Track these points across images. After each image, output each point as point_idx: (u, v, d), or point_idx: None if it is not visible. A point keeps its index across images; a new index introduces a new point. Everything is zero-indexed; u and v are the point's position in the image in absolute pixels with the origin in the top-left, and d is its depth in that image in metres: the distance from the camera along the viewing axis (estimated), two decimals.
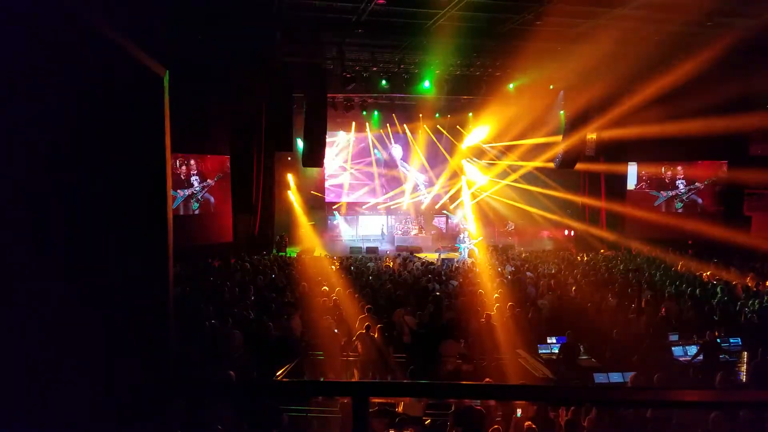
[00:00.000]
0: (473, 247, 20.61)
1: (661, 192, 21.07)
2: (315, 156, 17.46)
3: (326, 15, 13.13)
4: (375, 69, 17.25)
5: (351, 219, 25.44)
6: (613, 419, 5.29)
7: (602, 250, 19.46)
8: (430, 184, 26.01)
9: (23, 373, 1.60)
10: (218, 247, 17.03)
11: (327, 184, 25.04)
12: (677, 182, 20.92)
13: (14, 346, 1.57)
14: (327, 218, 24.96)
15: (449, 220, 26.35)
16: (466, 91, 19.55)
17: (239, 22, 13.33)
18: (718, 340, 8.18)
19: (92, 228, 1.81)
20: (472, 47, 15.87)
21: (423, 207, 25.99)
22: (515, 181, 23.49)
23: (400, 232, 24.90)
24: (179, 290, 10.03)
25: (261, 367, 7.28)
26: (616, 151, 20.01)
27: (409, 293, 11.36)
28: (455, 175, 25.56)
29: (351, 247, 21.96)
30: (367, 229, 25.45)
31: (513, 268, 15.20)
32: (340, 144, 24.93)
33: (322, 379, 7.91)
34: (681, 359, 8.07)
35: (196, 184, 17.86)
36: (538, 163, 21.67)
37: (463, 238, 21.24)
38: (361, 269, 14.73)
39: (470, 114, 23.86)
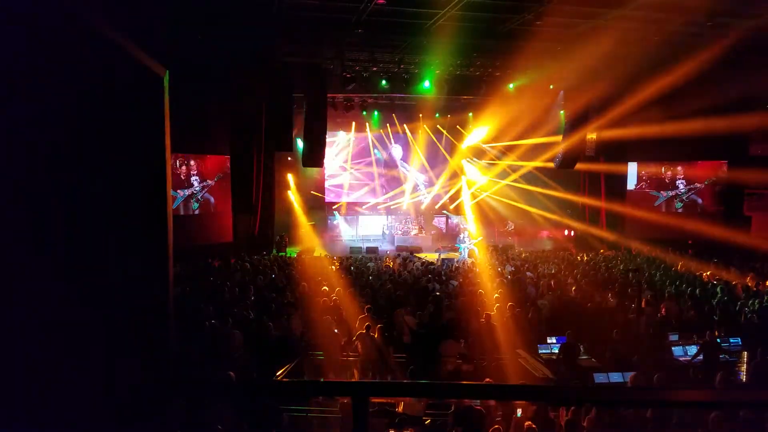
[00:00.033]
0: (473, 247, 20.61)
1: (661, 192, 21.07)
2: (315, 156, 17.46)
3: (326, 15, 13.14)
4: (375, 69, 17.25)
5: (351, 219, 25.44)
6: (613, 419, 5.29)
7: (602, 250, 19.45)
8: (430, 184, 26.01)
9: (23, 373, 1.60)
10: (218, 247, 17.02)
11: (327, 184, 25.04)
12: (677, 182, 20.92)
13: (14, 346, 1.57)
14: (327, 218, 24.96)
15: (449, 220, 26.35)
16: (466, 91, 19.55)
17: (239, 22, 13.33)
18: (718, 340, 8.18)
19: (92, 228, 1.81)
20: (472, 47, 15.86)
21: (423, 207, 25.99)
22: (515, 181, 23.49)
23: (400, 232, 24.90)
24: (179, 290, 10.03)
25: (261, 367, 7.28)
26: (616, 151, 20.00)
27: (409, 293, 11.36)
28: (455, 175, 25.56)
29: (351, 247, 21.96)
30: (367, 229, 25.45)
31: (513, 268, 15.20)
32: (340, 144, 24.93)
33: (321, 379, 7.91)
34: (681, 359, 8.07)
35: (196, 184, 17.86)
36: (538, 163, 21.67)
37: (463, 238, 21.25)
38: (361, 269, 14.73)
39: (470, 114, 23.87)
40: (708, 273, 13.43)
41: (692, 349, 8.09)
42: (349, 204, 25.45)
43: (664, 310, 9.74)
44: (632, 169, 21.23)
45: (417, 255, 20.34)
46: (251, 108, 16.75)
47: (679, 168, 20.87)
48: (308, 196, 23.93)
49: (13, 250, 1.57)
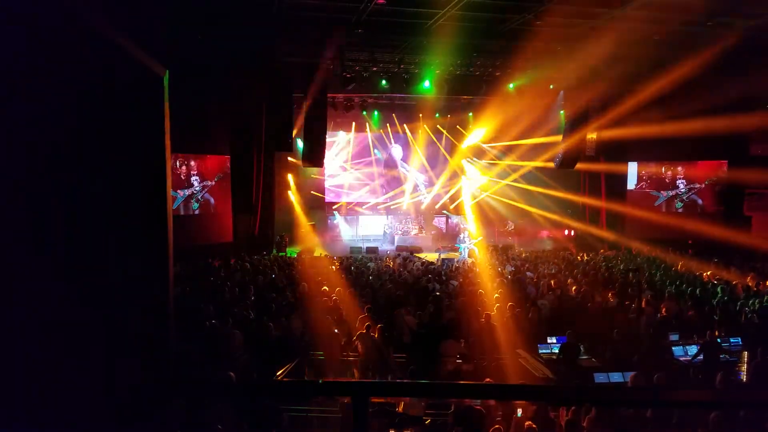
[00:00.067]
0: (473, 247, 20.60)
1: (662, 192, 21.06)
2: (315, 156, 17.47)
3: (326, 15, 13.14)
4: (375, 69, 17.25)
5: (351, 219, 25.44)
6: (613, 419, 5.29)
7: (602, 250, 19.45)
8: (430, 184, 26.01)
9: (23, 373, 1.60)
10: (218, 247, 17.02)
11: (327, 184, 25.03)
12: (677, 182, 20.92)
13: (14, 346, 1.57)
14: (327, 218, 24.95)
15: (449, 220, 26.35)
16: (466, 91, 19.56)
17: (239, 22, 13.33)
18: (719, 340, 8.18)
19: (92, 228, 1.81)
20: (472, 47, 15.87)
21: (423, 207, 25.99)
22: (515, 181, 23.50)
23: (400, 232, 24.90)
24: (179, 290, 10.03)
25: (261, 367, 7.28)
26: (616, 151, 20.00)
27: (409, 293, 11.36)
28: (455, 175, 25.56)
29: (351, 247, 21.95)
30: (367, 229, 25.44)
31: (513, 268, 15.20)
32: (340, 144, 24.93)
33: (321, 380, 7.90)
34: (681, 359, 8.07)
35: (196, 184, 17.87)
36: (538, 163, 21.67)
37: (463, 238, 21.24)
38: (361, 269, 14.73)
39: (470, 114, 23.87)
40: (708, 273, 13.42)
41: (692, 349, 8.08)
42: (349, 204, 25.45)
43: (664, 310, 9.73)
44: (632, 168, 21.23)
45: (417, 255, 20.34)
46: (251, 108, 16.76)
47: (679, 168, 20.86)
48: (308, 196, 23.93)
49: (13, 250, 1.57)
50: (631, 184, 21.24)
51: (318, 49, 14.62)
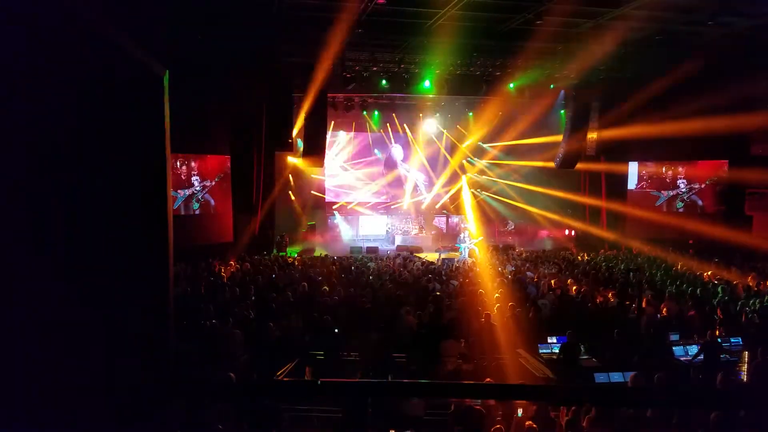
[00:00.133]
0: (473, 246, 20.60)
1: (662, 192, 21.05)
2: (315, 156, 17.47)
3: (326, 15, 13.13)
4: (375, 69, 17.25)
5: (351, 219, 25.43)
6: (613, 419, 5.29)
7: (603, 250, 19.45)
8: (430, 184, 26.01)
9: (23, 373, 1.60)
10: (218, 247, 17.03)
11: (327, 184, 25.03)
12: (678, 182, 20.90)
13: (14, 346, 1.57)
14: (327, 218, 24.95)
15: (449, 220, 26.35)
16: (466, 91, 19.54)
17: (239, 22, 13.32)
18: (719, 340, 8.17)
19: (92, 228, 1.81)
20: (472, 47, 15.86)
21: (423, 207, 25.99)
22: (515, 180, 23.49)
23: (400, 232, 24.90)
24: (179, 290, 10.03)
25: (261, 367, 7.28)
26: (617, 151, 19.99)
27: (410, 293, 11.36)
28: (455, 175, 25.56)
29: (351, 247, 21.96)
30: (367, 229, 25.45)
31: (513, 268, 15.20)
32: (340, 144, 24.92)
33: (320, 381, 7.89)
34: (681, 359, 8.06)
35: (196, 184, 17.87)
36: (538, 163, 21.67)
37: (464, 237, 21.25)
38: (361, 269, 14.74)
39: (470, 114, 23.87)
40: (709, 273, 13.42)
41: (693, 349, 8.08)
42: (349, 204, 25.45)
43: (664, 309, 9.73)
44: (633, 168, 21.22)
45: (417, 255, 20.34)
46: (251, 108, 16.76)
47: (680, 168, 20.85)
48: (308, 196, 23.93)
49: (13, 250, 1.57)
50: (632, 183, 21.23)
51: (318, 49, 14.61)
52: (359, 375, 7.59)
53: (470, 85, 18.70)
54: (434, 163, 25.65)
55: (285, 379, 7.04)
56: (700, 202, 20.71)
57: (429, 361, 7.83)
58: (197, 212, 17.96)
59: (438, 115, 24.16)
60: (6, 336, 1.55)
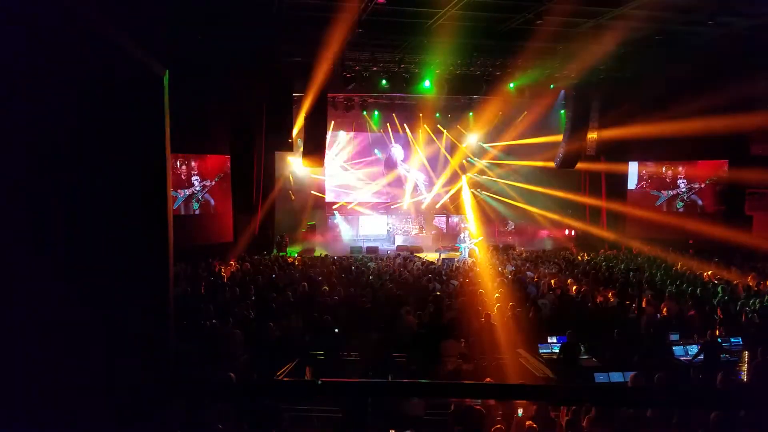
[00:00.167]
0: (474, 246, 20.61)
1: (662, 191, 21.05)
2: (315, 156, 17.46)
3: (326, 15, 13.12)
4: (375, 69, 17.24)
5: (351, 219, 25.44)
6: (613, 419, 5.29)
7: (603, 250, 19.46)
8: (430, 184, 26.01)
9: (23, 373, 1.60)
10: (218, 247, 17.03)
11: (327, 184, 25.03)
12: (678, 182, 20.91)
13: (14, 346, 1.57)
14: (327, 218, 24.96)
15: (450, 220, 26.35)
16: (467, 91, 19.54)
17: (239, 22, 13.32)
18: (719, 340, 8.17)
19: (92, 228, 1.81)
20: (472, 47, 15.86)
21: (423, 207, 25.99)
22: (515, 180, 23.50)
23: (400, 232, 24.89)
24: (179, 290, 10.03)
25: (261, 367, 7.28)
26: (617, 151, 20.00)
27: (410, 293, 11.36)
28: (455, 175, 25.56)
29: (351, 247, 21.97)
30: (367, 229, 25.45)
31: (513, 268, 15.20)
32: (340, 144, 24.93)
33: (320, 381, 7.89)
34: (681, 359, 8.06)
35: (196, 184, 17.87)
36: (538, 162, 21.67)
37: (464, 237, 21.25)
38: (361, 269, 14.74)
39: (470, 114, 23.87)
40: (709, 273, 13.42)
41: (693, 349, 8.08)
42: (349, 204, 25.45)
43: (665, 309, 9.73)
44: (633, 168, 21.23)
45: (417, 255, 20.34)
46: (251, 108, 16.76)
47: (679, 167, 20.85)
48: (308, 196, 23.93)
49: (13, 250, 1.57)
50: (632, 183, 21.24)
51: (318, 49, 14.61)
52: (359, 375, 7.60)
53: (470, 85, 18.70)
54: (434, 163, 25.65)
55: (285, 379, 7.04)
56: (700, 202, 20.71)
57: (429, 361, 7.83)
58: (197, 212, 17.96)
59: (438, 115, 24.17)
60: (6, 336, 1.55)
